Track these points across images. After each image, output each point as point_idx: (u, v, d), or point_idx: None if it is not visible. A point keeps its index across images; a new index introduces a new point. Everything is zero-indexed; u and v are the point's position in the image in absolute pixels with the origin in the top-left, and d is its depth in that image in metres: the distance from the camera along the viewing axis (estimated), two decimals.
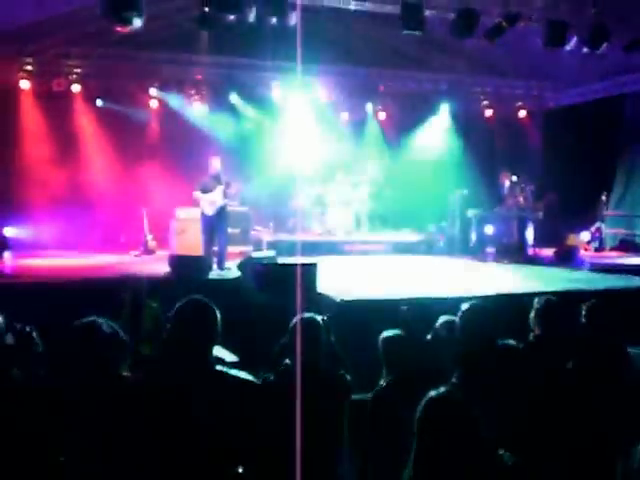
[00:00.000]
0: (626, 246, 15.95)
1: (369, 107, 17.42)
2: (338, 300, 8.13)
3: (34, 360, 4.11)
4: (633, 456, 2.75)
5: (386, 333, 4.69)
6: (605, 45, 11.40)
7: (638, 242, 15.76)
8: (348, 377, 4.01)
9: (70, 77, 15.06)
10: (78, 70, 15.10)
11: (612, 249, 16.18)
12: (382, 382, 4.44)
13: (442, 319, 4.82)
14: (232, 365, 3.85)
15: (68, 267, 11.22)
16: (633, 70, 14.93)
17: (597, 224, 16.43)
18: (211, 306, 3.32)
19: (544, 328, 4.72)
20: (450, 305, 5.12)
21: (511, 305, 6.85)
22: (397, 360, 4.48)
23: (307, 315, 4.13)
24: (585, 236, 16.24)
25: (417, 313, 5.03)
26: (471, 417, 2.74)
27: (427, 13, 10.75)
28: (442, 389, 2.90)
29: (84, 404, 3.29)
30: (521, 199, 13.98)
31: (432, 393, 2.88)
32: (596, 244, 16.17)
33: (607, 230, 16.51)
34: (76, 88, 15.16)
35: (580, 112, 16.72)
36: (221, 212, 11.24)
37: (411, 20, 10.68)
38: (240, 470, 3.38)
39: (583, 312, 4.75)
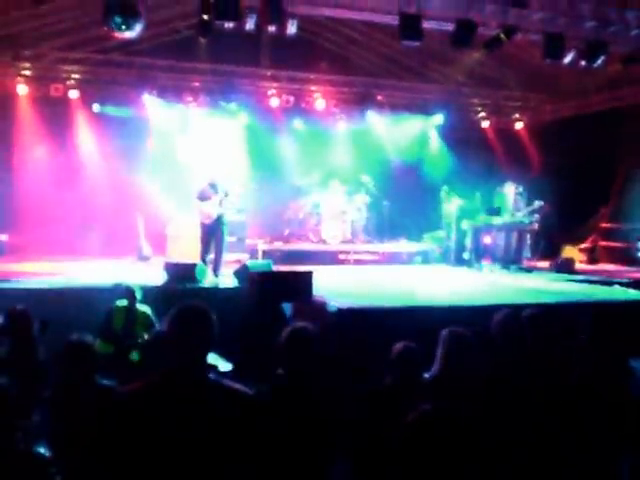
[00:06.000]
0: (622, 259, 15.89)
1: (369, 116, 17.20)
2: (334, 308, 8.09)
3: None
4: None
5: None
6: (602, 59, 11.39)
7: (635, 255, 15.71)
8: None
9: (68, 82, 15.04)
10: (76, 76, 15.09)
11: (608, 261, 16.13)
12: None
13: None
14: (226, 374, 3.81)
15: (60, 273, 11.07)
16: (631, 83, 14.96)
17: (593, 236, 16.43)
18: (208, 311, 3.25)
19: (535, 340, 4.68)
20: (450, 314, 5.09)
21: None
22: None
23: (299, 325, 4.08)
24: (581, 248, 16.27)
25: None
26: None
27: (425, 24, 10.71)
28: None
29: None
30: (519, 211, 14.04)
31: None
32: (593, 256, 16.17)
33: (603, 242, 16.52)
34: (74, 94, 15.12)
35: (578, 124, 16.72)
36: (219, 220, 11.22)
37: (410, 30, 10.63)
38: None
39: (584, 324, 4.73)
